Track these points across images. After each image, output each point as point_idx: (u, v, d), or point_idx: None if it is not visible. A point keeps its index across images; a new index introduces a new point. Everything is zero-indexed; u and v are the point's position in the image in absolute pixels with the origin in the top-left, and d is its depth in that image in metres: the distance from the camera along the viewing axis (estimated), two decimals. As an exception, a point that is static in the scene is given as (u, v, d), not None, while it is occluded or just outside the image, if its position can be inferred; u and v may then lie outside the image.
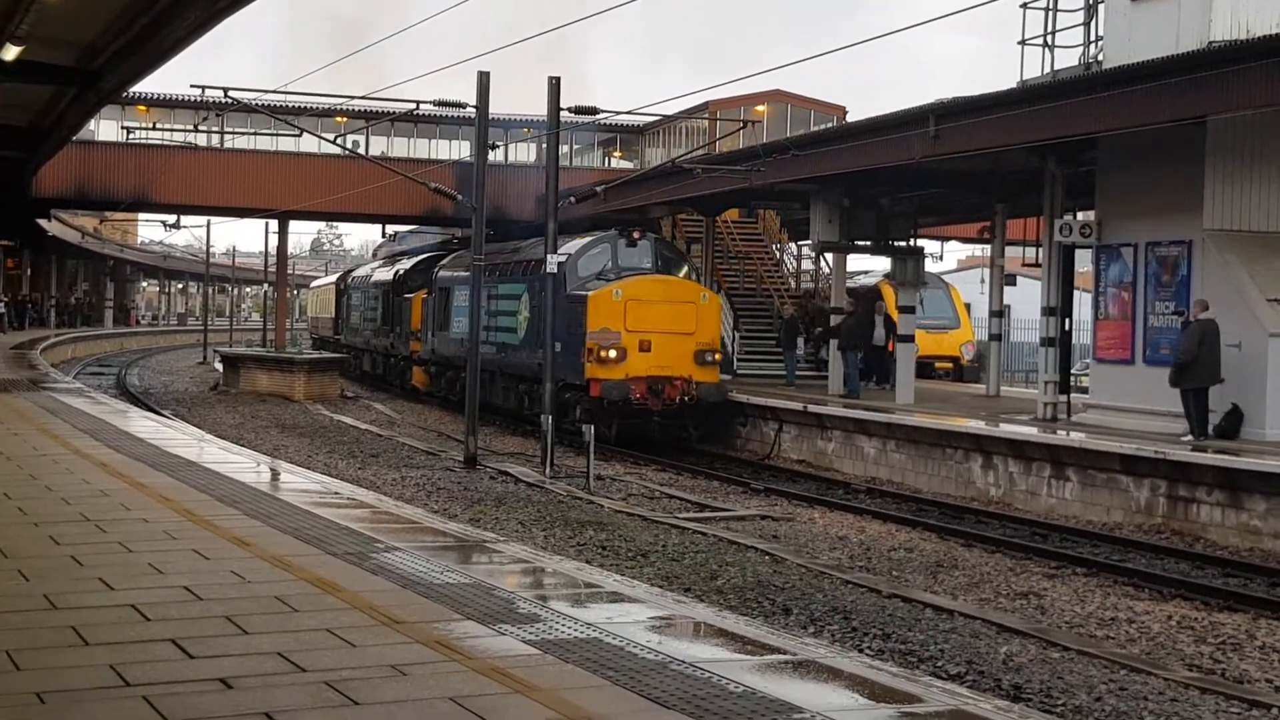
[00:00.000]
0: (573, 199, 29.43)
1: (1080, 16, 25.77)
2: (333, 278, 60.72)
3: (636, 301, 25.67)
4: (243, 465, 15.74)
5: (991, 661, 11.73)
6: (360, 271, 50.57)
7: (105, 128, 45.29)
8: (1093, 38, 25.57)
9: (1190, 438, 20.32)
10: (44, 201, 45.63)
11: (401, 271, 42.36)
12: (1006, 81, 27.55)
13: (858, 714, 6.29)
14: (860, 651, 10.96)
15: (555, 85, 25.05)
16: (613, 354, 25.11)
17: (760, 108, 44.08)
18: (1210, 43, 21.57)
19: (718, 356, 26.72)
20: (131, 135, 46.02)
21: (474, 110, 24.83)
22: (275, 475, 15.58)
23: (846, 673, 7.13)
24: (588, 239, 28.40)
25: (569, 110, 25.71)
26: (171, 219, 56.34)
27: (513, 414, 32.13)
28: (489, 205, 27.76)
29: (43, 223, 55.18)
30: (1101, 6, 25.23)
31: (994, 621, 13.63)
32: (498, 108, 29.84)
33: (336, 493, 13.90)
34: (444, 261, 38.55)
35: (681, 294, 26.61)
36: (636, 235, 27.37)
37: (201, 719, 5.76)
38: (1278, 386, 21.14)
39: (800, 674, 7.10)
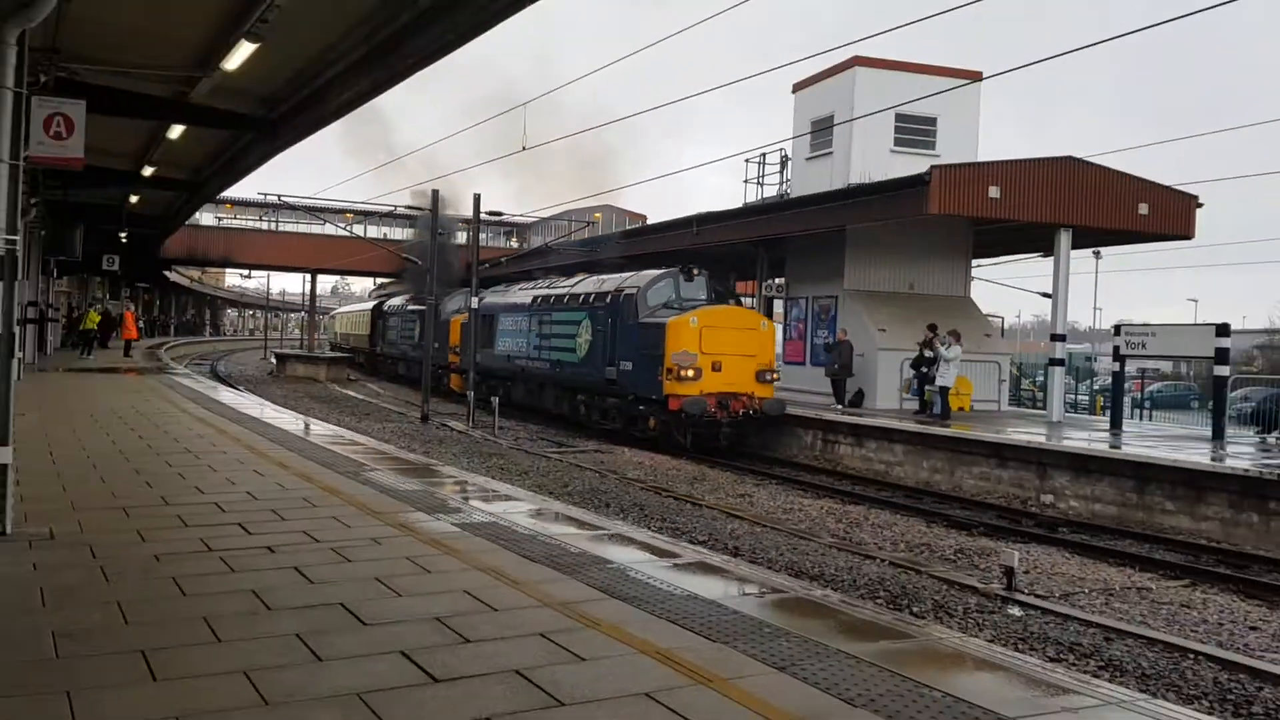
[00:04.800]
0: (487, 264, 31.22)
1: (777, 166, 29.39)
2: (364, 306, 58.34)
3: (710, 328, 22.10)
4: (286, 420, 16.71)
5: (723, 533, 12.61)
6: (394, 302, 47.88)
7: (206, 217, 53.00)
8: (786, 178, 28.88)
9: (838, 407, 22.40)
10: (168, 260, 52.28)
11: (435, 303, 36.54)
12: (739, 202, 31.51)
13: (644, 564, 6.81)
14: (648, 529, 11.35)
15: (477, 199, 25.95)
16: (691, 373, 21.68)
17: (598, 214, 51.30)
18: (849, 184, 24.22)
19: (775, 376, 22.94)
20: (221, 221, 55.63)
21: (429, 213, 26.64)
22: (306, 426, 16.00)
23: (639, 540, 7.76)
24: (654, 274, 24.06)
25: (486, 214, 27.34)
26: (246, 272, 68.19)
27: (564, 419, 26.83)
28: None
29: (167, 273, 62.43)
30: (790, 161, 28.33)
31: (724, 510, 14.82)
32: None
33: (342, 436, 14.74)
34: (485, 294, 32.89)
35: (746, 322, 22.90)
36: (696, 272, 23.74)
37: (253, 570, 6.21)
38: (885, 379, 23.53)
39: (613, 541, 7.61)
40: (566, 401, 26.47)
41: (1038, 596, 10.64)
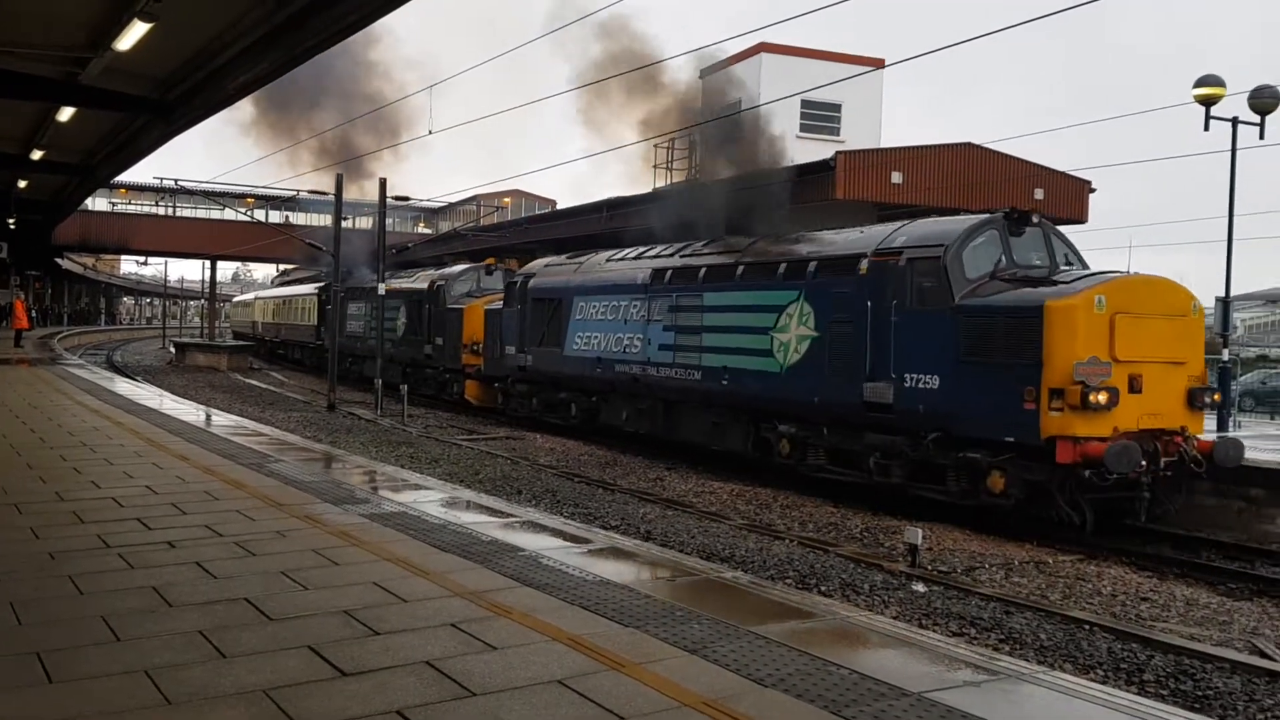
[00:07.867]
0: (395, 249, 31.08)
1: (685, 152, 29.61)
2: (303, 290, 49.56)
3: (1125, 315, 12.48)
4: (186, 410, 16.46)
5: (635, 518, 12.91)
6: (353, 283, 36.07)
7: (99, 202, 52.37)
8: (696, 163, 28.36)
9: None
10: (59, 247, 51.23)
11: (440, 283, 30.34)
12: (648, 186, 31.55)
13: (556, 550, 6.92)
14: (561, 515, 11.35)
15: (383, 182, 26.17)
16: (1103, 398, 12.10)
17: (507, 199, 51.51)
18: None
19: (1216, 396, 13.86)
20: (115, 206, 55.47)
21: (333, 197, 26.72)
22: (208, 417, 15.78)
23: (552, 527, 7.83)
24: (962, 225, 14.02)
25: (393, 198, 27.25)
26: (142, 259, 67.70)
27: (729, 456, 18.03)
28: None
29: (59, 261, 60.79)
30: (699, 145, 28.10)
31: (637, 493, 15.12)
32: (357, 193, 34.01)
33: (245, 426, 14.61)
34: (534, 270, 24.63)
35: (1173, 304, 13.01)
36: (1035, 220, 14.05)
37: (154, 566, 6.10)
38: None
39: (525, 529, 7.69)
40: (744, 433, 17.30)
41: (940, 573, 10.89)
